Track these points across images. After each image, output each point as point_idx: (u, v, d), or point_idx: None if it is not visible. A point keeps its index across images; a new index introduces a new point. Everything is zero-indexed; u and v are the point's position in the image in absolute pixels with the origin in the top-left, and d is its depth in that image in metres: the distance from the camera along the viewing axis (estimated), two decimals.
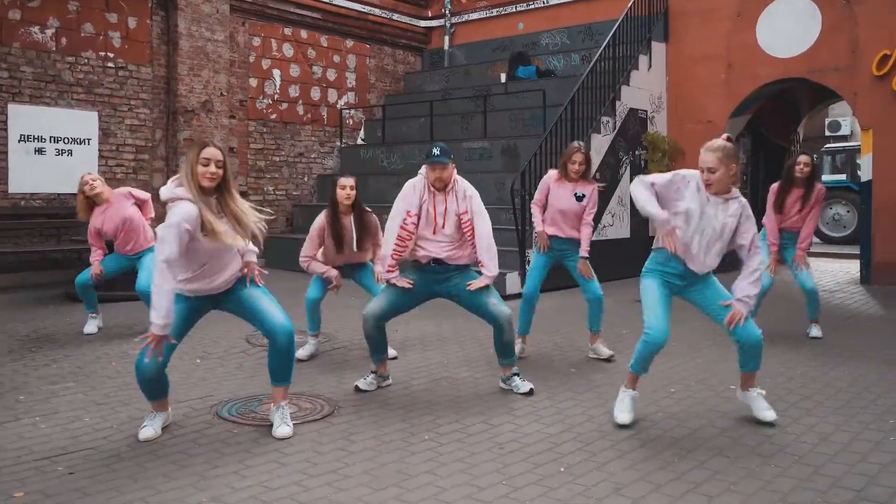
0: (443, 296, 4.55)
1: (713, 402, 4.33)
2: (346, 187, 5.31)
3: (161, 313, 3.33)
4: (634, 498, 2.97)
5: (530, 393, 4.45)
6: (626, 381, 3.98)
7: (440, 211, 4.37)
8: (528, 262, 8.63)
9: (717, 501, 2.93)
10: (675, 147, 10.88)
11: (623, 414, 3.86)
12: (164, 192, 3.56)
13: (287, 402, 3.86)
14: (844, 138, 21.23)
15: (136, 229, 6.09)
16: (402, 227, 4.36)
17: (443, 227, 4.36)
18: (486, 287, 4.43)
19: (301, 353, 5.34)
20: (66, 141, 9.06)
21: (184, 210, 3.39)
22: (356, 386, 4.53)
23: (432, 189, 4.40)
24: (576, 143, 5.51)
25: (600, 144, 9.84)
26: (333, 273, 5.35)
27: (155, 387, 3.64)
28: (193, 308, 3.70)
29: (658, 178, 3.89)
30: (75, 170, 9.00)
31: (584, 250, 5.40)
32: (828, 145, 19.11)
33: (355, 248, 5.37)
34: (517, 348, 5.38)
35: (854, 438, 3.68)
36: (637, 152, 10.69)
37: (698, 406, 4.26)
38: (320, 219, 5.39)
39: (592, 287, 5.42)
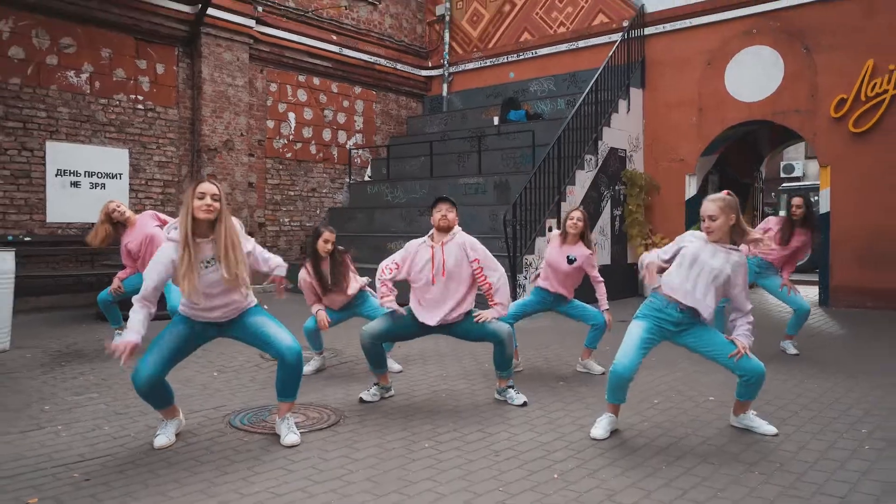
0: (443, 334, 4.38)
1: (695, 413, 4.15)
2: (329, 242, 5.13)
3: (131, 328, 3.27)
4: None
5: (524, 405, 4.27)
6: (606, 407, 3.78)
7: (438, 261, 4.19)
8: (521, 286, 8.50)
9: None
10: (651, 183, 10.80)
11: (597, 429, 3.66)
12: (164, 231, 3.45)
13: (291, 414, 3.66)
14: (797, 179, 21.50)
15: (158, 244, 5.93)
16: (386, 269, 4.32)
17: (442, 275, 4.15)
18: (476, 326, 4.28)
19: (307, 368, 5.16)
20: (99, 175, 8.94)
21: (164, 251, 3.32)
22: (360, 398, 4.34)
23: (434, 239, 4.27)
24: (573, 209, 5.32)
25: (584, 179, 9.74)
26: (322, 315, 5.20)
27: (157, 397, 3.45)
28: (196, 332, 3.49)
29: (665, 249, 3.76)
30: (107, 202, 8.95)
31: (602, 306, 5.19)
32: (784, 185, 19.19)
33: (335, 286, 5.18)
34: None
35: (830, 447, 3.50)
36: (617, 187, 10.59)
37: (682, 416, 4.08)
38: (303, 275, 5.24)
39: (598, 316, 5.22)
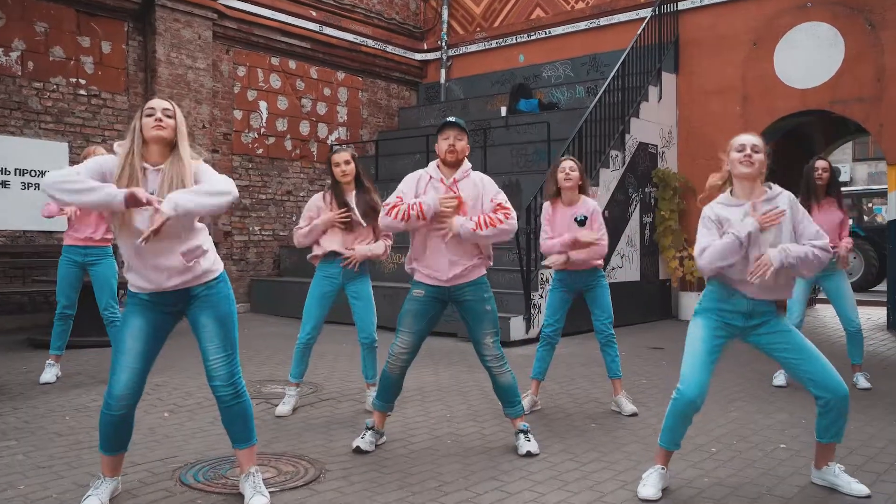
0: (452, 302, 4.06)
1: (765, 464, 3.82)
2: (339, 164, 4.80)
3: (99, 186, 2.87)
4: None
5: (528, 455, 3.93)
6: (655, 457, 3.47)
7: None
8: (535, 307, 8.18)
9: None
10: (686, 184, 10.52)
11: (646, 488, 3.32)
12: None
13: (258, 466, 3.31)
14: (844, 184, 21.07)
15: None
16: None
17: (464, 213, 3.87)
18: (489, 317, 4.01)
19: (282, 408, 4.83)
20: (32, 174, 8.60)
21: (104, 159, 3.06)
22: (357, 447, 3.96)
23: (440, 172, 3.98)
24: (566, 157, 5.06)
25: (609, 180, 9.46)
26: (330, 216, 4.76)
27: (119, 431, 3.10)
28: (154, 321, 3.12)
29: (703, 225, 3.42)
30: (43, 205, 8.59)
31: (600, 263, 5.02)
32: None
33: (363, 224, 4.80)
34: (527, 402, 4.89)
35: None
36: (647, 189, 10.32)
37: (748, 469, 3.74)
38: (317, 202, 4.92)
39: (607, 320, 4.95)
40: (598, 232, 4.80)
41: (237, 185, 9.58)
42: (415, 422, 4.68)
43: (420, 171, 4.08)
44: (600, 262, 4.99)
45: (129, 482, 3.40)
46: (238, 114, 10.85)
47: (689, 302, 10.19)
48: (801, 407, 4.93)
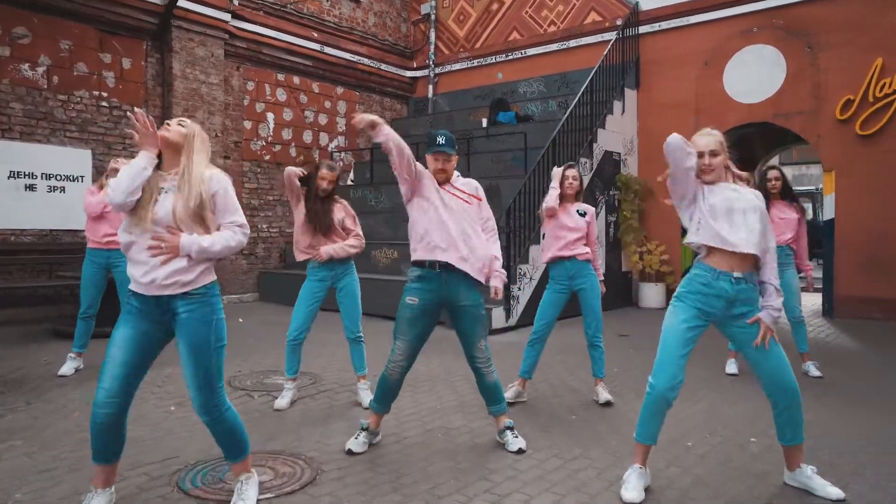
0: (447, 306, 3.56)
1: (741, 460, 3.41)
2: (326, 180, 4.34)
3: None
4: None
5: (519, 452, 3.50)
6: (634, 454, 3.04)
7: (448, 193, 3.55)
8: (514, 298, 7.74)
9: None
10: (646, 187, 10.12)
11: (629, 491, 2.89)
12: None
13: (256, 469, 2.86)
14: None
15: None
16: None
17: (454, 204, 3.50)
18: (483, 321, 3.59)
19: (280, 402, 4.37)
20: (58, 178, 8.03)
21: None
22: (348, 449, 3.50)
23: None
24: (567, 164, 4.77)
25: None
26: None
27: (109, 440, 2.62)
28: (143, 331, 2.63)
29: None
30: (68, 207, 8.05)
31: (599, 273, 4.66)
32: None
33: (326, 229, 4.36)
34: (512, 392, 4.48)
35: None
36: (612, 192, 9.90)
37: (726, 467, 3.33)
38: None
39: (597, 330, 4.53)
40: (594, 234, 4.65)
41: (247, 188, 9.08)
42: (407, 414, 4.24)
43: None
44: (589, 255, 4.57)
45: (125, 488, 2.93)
46: (248, 124, 10.29)
47: (648, 291, 9.80)
48: (762, 396, 4.53)
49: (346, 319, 4.49)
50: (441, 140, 3.52)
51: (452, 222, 3.44)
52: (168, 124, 2.71)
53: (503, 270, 3.61)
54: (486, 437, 3.79)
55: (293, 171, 4.31)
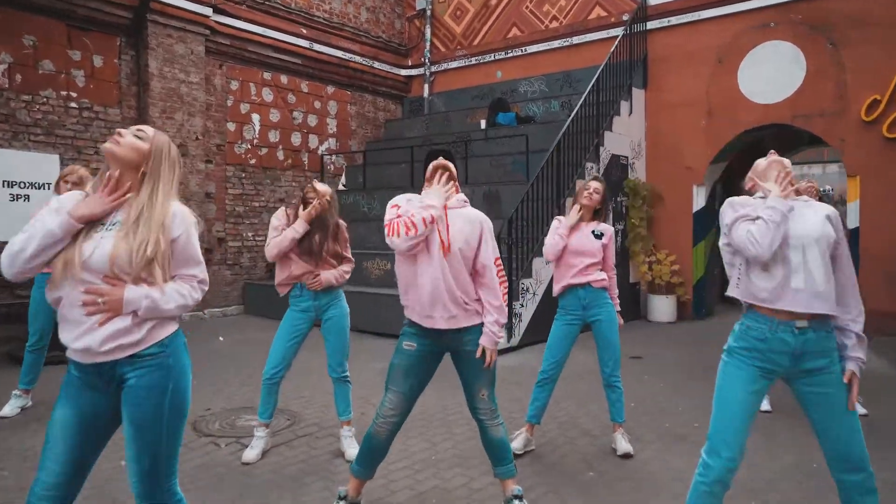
0: (450, 350, 3.00)
1: None
2: (319, 194, 3.83)
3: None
4: None
5: None
6: None
7: (440, 229, 2.88)
8: (516, 315, 7.14)
9: None
10: (654, 193, 9.53)
11: None
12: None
13: None
14: None
15: None
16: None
17: (445, 248, 2.84)
18: (489, 369, 2.97)
19: (249, 454, 3.77)
20: (21, 185, 7.39)
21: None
22: None
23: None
24: (592, 175, 4.19)
25: None
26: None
27: None
28: (86, 411, 2.01)
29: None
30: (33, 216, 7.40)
31: (616, 303, 4.05)
32: None
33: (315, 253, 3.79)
34: (520, 441, 3.87)
35: None
36: (619, 199, 9.30)
37: None
38: (280, 216, 3.88)
39: (615, 367, 3.92)
40: (612, 259, 4.04)
41: (231, 194, 8.37)
42: (395, 468, 3.63)
43: (410, 194, 3.02)
44: (605, 281, 3.96)
45: None
46: (231, 126, 9.66)
47: (658, 304, 9.21)
48: (806, 444, 3.94)
49: (331, 356, 3.90)
50: (438, 150, 2.99)
51: (428, 280, 2.83)
52: (120, 134, 2.08)
53: (496, 328, 2.92)
54: (490, 501, 3.19)
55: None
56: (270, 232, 3.85)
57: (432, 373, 2.99)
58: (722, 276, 10.98)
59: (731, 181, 10.52)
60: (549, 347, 3.99)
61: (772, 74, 8.66)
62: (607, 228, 4.01)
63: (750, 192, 2.64)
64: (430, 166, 3.01)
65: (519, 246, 7.34)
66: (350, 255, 4.00)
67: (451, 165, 3.03)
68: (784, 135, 9.36)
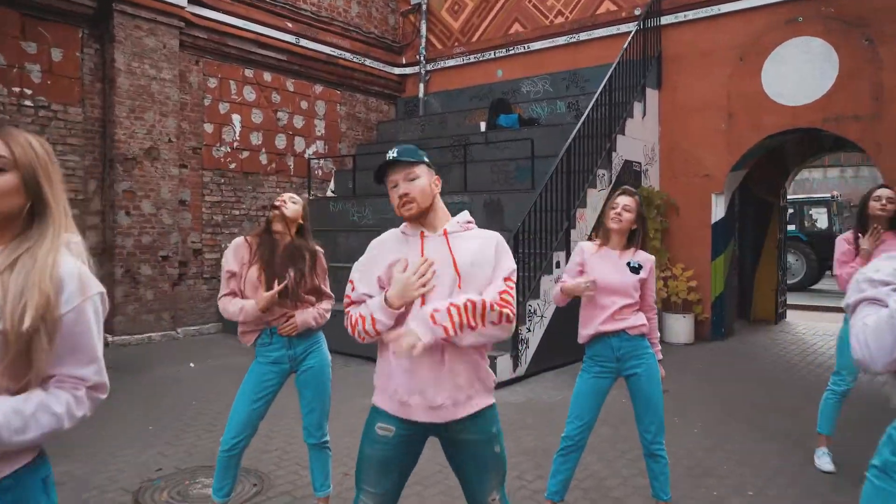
0: (439, 436, 2.17)
1: None
2: (285, 208, 3.05)
3: None
4: None
5: None
6: None
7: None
8: (523, 342, 6.37)
9: None
10: (669, 202, 8.79)
11: None
12: None
13: None
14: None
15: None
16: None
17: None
18: (497, 463, 2.16)
19: None
20: None
21: None
22: None
23: (406, 231, 2.16)
24: (624, 189, 3.34)
25: (597, 200, 7.66)
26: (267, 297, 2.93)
27: None
28: None
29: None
30: None
31: (657, 351, 3.24)
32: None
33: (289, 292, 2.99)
34: None
35: None
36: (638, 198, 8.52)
37: None
38: (238, 245, 3.07)
39: (657, 431, 3.14)
40: (651, 297, 3.21)
41: (207, 202, 7.53)
42: None
43: (387, 234, 2.21)
44: (645, 326, 3.18)
45: None
46: (209, 127, 8.86)
47: (674, 324, 8.45)
48: None
49: (308, 415, 3.13)
50: (393, 153, 2.08)
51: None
52: None
53: (442, 317, 1.94)
54: None
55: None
56: (223, 276, 3.06)
57: (415, 463, 2.20)
58: (741, 290, 10.24)
59: (745, 189, 9.79)
60: (574, 406, 3.20)
61: (800, 74, 7.92)
62: (647, 259, 3.20)
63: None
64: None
65: (525, 263, 6.58)
66: (329, 290, 3.23)
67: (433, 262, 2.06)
68: (804, 139, 8.61)
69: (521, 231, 6.41)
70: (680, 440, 4.56)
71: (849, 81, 7.61)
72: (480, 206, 7.97)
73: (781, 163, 10.50)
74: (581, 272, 3.17)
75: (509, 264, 2.09)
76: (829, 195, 17.91)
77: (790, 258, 15.47)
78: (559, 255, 6.92)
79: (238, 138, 9.18)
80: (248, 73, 9.34)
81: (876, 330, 1.51)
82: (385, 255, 2.10)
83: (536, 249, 6.71)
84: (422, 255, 2.05)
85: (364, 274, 2.11)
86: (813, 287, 16.02)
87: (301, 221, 3.11)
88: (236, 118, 9.15)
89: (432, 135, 10.37)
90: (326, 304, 3.17)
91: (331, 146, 10.54)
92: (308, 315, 3.05)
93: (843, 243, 3.97)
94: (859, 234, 3.86)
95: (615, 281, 3.10)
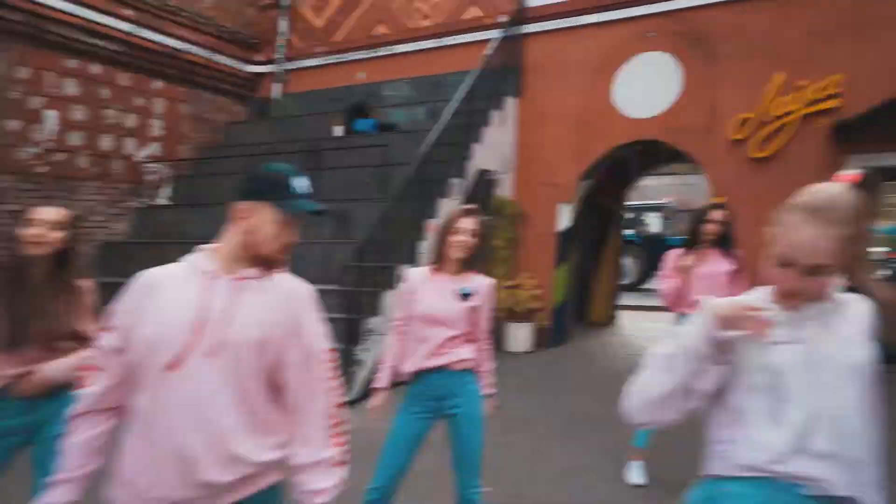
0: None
1: None
2: (47, 225, 2.40)
3: None
4: None
5: None
6: None
7: None
8: (357, 362, 5.87)
9: None
10: (519, 212, 8.58)
11: None
12: None
13: None
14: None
15: None
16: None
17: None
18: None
19: None
20: None
21: None
22: None
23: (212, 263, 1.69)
24: (463, 208, 2.93)
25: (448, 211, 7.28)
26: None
27: None
28: None
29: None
30: None
31: (487, 385, 2.86)
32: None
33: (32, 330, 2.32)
34: None
35: None
36: (485, 219, 8.23)
37: None
38: None
39: (474, 481, 2.73)
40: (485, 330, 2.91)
41: (6, 212, 6.35)
42: None
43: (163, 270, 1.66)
44: (472, 360, 2.78)
45: None
46: (14, 124, 7.72)
47: (516, 333, 8.21)
48: None
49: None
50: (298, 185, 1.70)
51: (176, 418, 1.57)
52: None
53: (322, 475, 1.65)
54: None
55: None
56: None
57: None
58: (579, 295, 10.20)
59: (591, 197, 9.77)
60: (388, 451, 2.72)
61: (647, 88, 7.96)
62: (481, 283, 2.79)
63: None
64: None
65: (366, 276, 6.10)
66: (93, 333, 2.52)
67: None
68: (652, 151, 8.69)
69: (366, 243, 5.92)
70: (504, 455, 4.19)
71: (689, 97, 7.72)
72: (328, 216, 7.38)
73: (624, 172, 10.60)
74: (414, 301, 2.75)
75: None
76: (663, 201, 18.61)
77: (627, 260, 15.78)
78: (405, 269, 6.47)
79: (52, 137, 8.07)
80: (72, 64, 8.26)
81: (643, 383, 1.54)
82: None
83: (379, 260, 6.24)
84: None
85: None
86: (642, 287, 16.40)
87: (64, 245, 2.43)
88: (51, 114, 8.05)
89: (285, 138, 9.65)
90: (88, 352, 2.46)
91: (170, 148, 9.57)
92: (58, 368, 2.36)
93: (671, 258, 4.01)
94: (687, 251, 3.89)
95: (439, 310, 2.70)
